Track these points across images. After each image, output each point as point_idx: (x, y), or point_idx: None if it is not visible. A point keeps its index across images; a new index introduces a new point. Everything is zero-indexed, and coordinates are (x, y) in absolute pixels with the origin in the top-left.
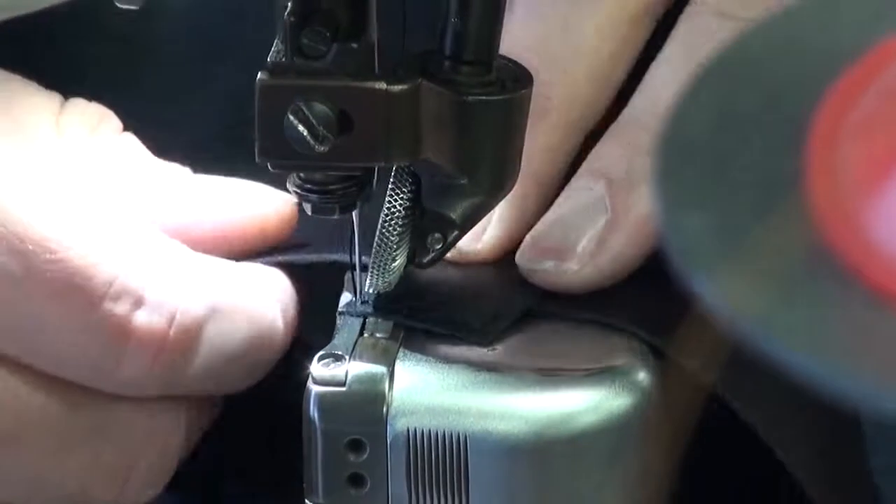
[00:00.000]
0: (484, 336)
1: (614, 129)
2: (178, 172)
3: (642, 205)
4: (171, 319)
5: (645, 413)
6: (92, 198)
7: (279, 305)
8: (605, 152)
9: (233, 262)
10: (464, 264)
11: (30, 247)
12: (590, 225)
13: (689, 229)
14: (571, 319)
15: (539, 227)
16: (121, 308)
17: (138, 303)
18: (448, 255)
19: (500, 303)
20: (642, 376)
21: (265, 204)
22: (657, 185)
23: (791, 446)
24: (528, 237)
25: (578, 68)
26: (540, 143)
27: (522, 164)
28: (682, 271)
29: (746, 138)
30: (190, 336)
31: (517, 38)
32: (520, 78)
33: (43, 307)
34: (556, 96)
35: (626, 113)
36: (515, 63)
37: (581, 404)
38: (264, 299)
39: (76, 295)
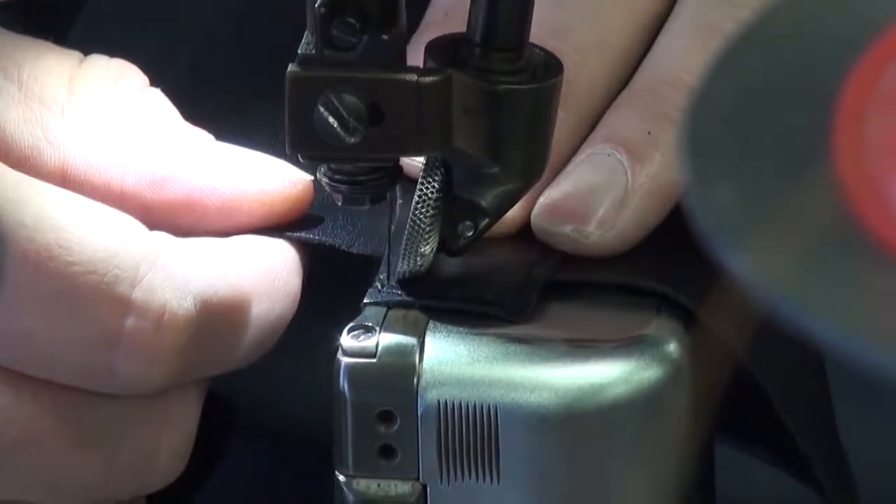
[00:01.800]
0: (513, 310)
1: (626, 96)
2: (198, 136)
3: (662, 170)
4: (159, 322)
5: (675, 384)
6: (81, 196)
7: (280, 279)
8: (621, 119)
9: (226, 240)
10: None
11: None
12: (611, 189)
13: (717, 202)
14: (599, 285)
15: (556, 190)
16: (107, 315)
17: (125, 308)
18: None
19: (523, 275)
20: (672, 347)
21: (281, 180)
22: (686, 158)
23: (803, 422)
24: (543, 200)
25: (602, 56)
26: (560, 130)
27: None
28: (711, 243)
29: (773, 111)
30: (181, 336)
31: (541, 23)
32: (550, 66)
33: (31, 316)
34: (577, 82)
35: (637, 81)
36: (545, 51)
37: (611, 375)
38: (263, 276)
39: (62, 304)
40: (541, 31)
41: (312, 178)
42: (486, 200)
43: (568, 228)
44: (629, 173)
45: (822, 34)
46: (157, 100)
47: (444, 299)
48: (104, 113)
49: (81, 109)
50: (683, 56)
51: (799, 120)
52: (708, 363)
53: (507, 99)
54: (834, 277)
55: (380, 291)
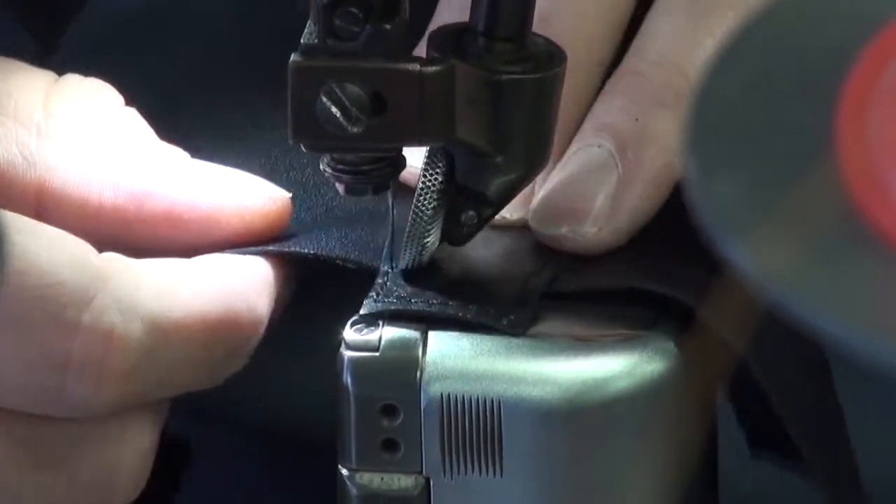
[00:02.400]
0: (511, 325)
1: (614, 81)
2: (174, 153)
3: (652, 157)
4: (107, 345)
5: (677, 378)
6: (31, 219)
7: (243, 301)
8: (608, 106)
9: (189, 260)
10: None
11: None
12: (602, 184)
13: (720, 194)
14: (600, 290)
15: (549, 188)
16: (56, 339)
17: (73, 331)
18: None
19: (521, 287)
20: (674, 342)
21: (260, 196)
22: (689, 152)
23: (804, 421)
24: (539, 198)
25: (589, 9)
26: (567, 89)
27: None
28: (714, 235)
29: (777, 104)
30: (129, 358)
31: None
32: (553, 56)
33: None
34: (574, 39)
35: (625, 65)
36: (548, 40)
37: (614, 370)
38: (224, 297)
39: (11, 328)
40: None
41: (291, 195)
42: (489, 190)
43: (564, 229)
44: (619, 165)
45: (826, 28)
46: (133, 118)
47: (442, 309)
48: (80, 130)
49: (57, 127)
50: (671, 36)
51: (802, 114)
52: (710, 358)
53: (510, 88)
54: (836, 271)
55: (376, 301)
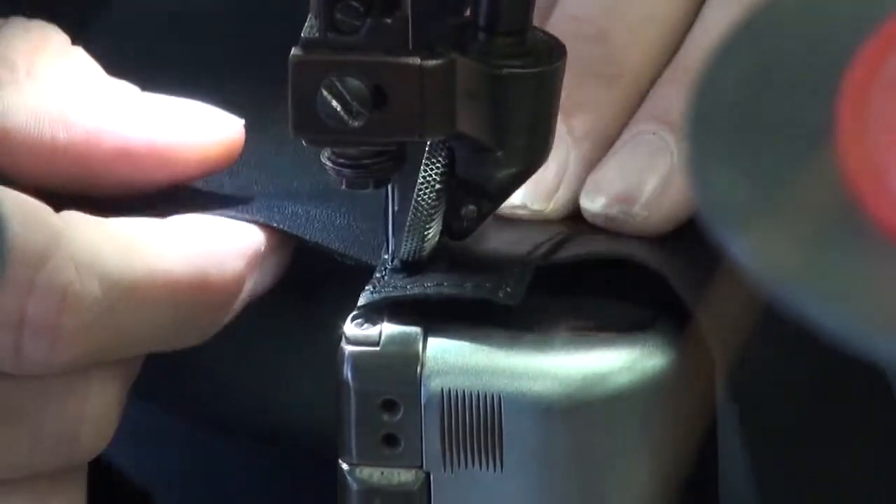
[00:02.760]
0: (505, 298)
1: (671, 72)
2: (125, 88)
3: None
4: (61, 303)
5: (678, 373)
6: None
7: (216, 264)
8: (666, 96)
9: (161, 220)
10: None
11: None
12: (656, 169)
13: (720, 185)
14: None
15: (603, 172)
16: (11, 298)
17: (28, 290)
18: (518, 211)
19: (518, 264)
20: (675, 336)
21: (213, 124)
22: (689, 140)
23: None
24: (591, 181)
25: (651, 33)
26: (613, 109)
27: (594, 127)
28: (713, 226)
29: (778, 95)
30: (83, 316)
31: (590, 1)
32: (553, 50)
33: None
34: (628, 61)
35: (682, 55)
36: (549, 35)
37: (615, 365)
38: (193, 259)
39: None
40: (591, 9)
41: (243, 121)
42: (490, 183)
43: (615, 209)
44: (674, 153)
45: (827, 20)
46: (81, 58)
47: (438, 290)
48: (30, 72)
49: (6, 71)
50: (725, 27)
51: (803, 107)
52: (711, 354)
53: (511, 83)
54: (837, 263)
55: (373, 292)
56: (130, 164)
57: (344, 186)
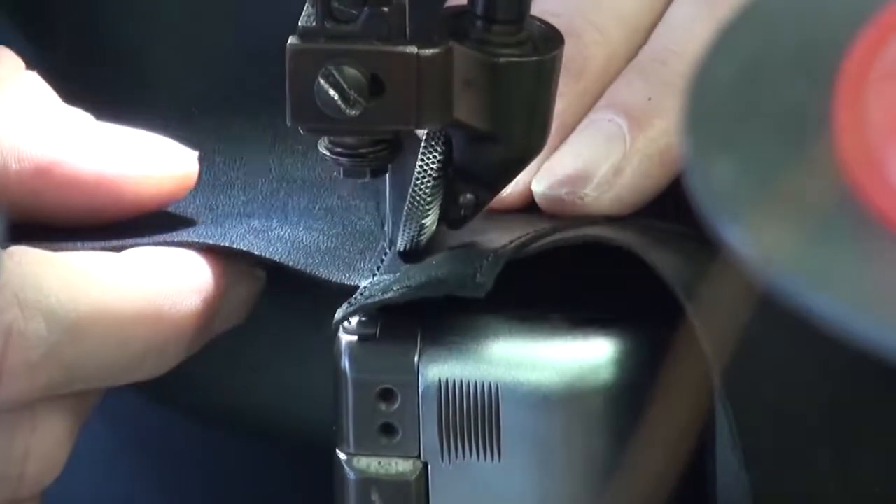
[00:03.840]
0: (478, 287)
1: (633, 65)
2: (79, 117)
3: (661, 135)
4: (6, 341)
5: (675, 362)
6: None
7: (172, 296)
8: (626, 86)
9: (114, 255)
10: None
11: None
12: (609, 154)
13: (717, 175)
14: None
15: (555, 156)
16: None
17: None
18: None
19: (496, 250)
20: (670, 329)
21: (166, 157)
22: (686, 131)
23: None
24: (545, 166)
25: (621, 32)
26: (574, 101)
27: (558, 118)
28: (711, 218)
29: (775, 85)
30: (29, 354)
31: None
32: (551, 39)
33: None
34: (596, 58)
35: (647, 49)
36: (546, 23)
37: (613, 354)
38: (144, 293)
39: None
40: (557, 8)
41: (198, 153)
42: (487, 172)
43: (564, 191)
44: (627, 137)
45: (823, 9)
46: (35, 83)
47: (409, 293)
48: None
49: None
50: (689, 24)
51: (799, 95)
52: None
53: (508, 71)
54: (834, 252)
55: (350, 305)
56: (80, 195)
57: (342, 176)
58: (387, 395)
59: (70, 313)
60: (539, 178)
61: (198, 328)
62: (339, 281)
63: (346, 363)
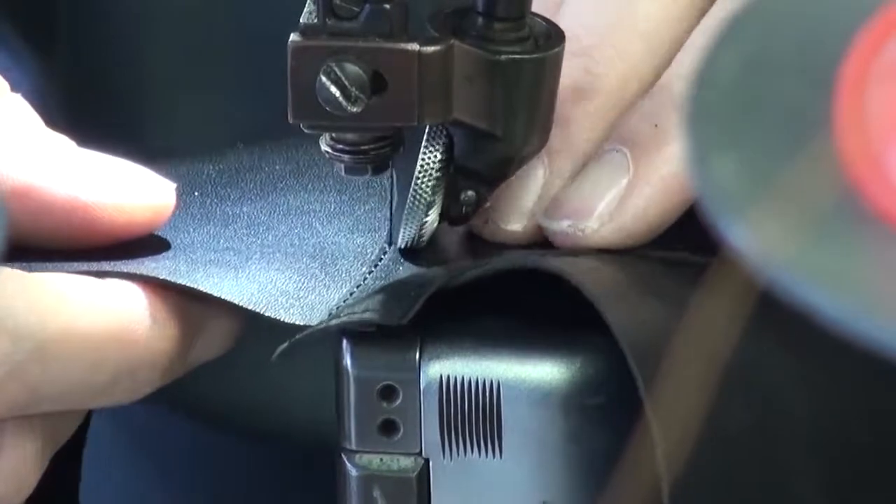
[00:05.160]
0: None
1: (648, 94)
2: (59, 142)
3: (667, 164)
4: None
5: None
6: None
7: (146, 325)
8: (635, 113)
9: (90, 278)
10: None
11: None
12: (612, 184)
13: (718, 173)
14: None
15: (564, 190)
16: None
17: None
18: (488, 233)
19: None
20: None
21: (142, 187)
22: (687, 129)
23: None
24: (552, 199)
25: (637, 54)
26: (589, 123)
27: (570, 141)
28: (712, 216)
29: (776, 82)
30: None
31: (575, 15)
32: (552, 36)
33: None
34: (610, 75)
35: (662, 78)
36: (547, 21)
37: (614, 352)
38: (117, 319)
39: None
40: (579, 27)
41: (175, 185)
42: (488, 169)
43: (565, 224)
44: (631, 167)
45: (824, 7)
46: (18, 105)
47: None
48: None
49: None
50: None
51: (800, 93)
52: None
53: (509, 68)
54: (835, 250)
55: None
56: (53, 220)
57: (343, 173)
58: (388, 393)
59: (37, 333)
60: (546, 212)
61: (172, 355)
62: (305, 323)
63: (347, 360)
